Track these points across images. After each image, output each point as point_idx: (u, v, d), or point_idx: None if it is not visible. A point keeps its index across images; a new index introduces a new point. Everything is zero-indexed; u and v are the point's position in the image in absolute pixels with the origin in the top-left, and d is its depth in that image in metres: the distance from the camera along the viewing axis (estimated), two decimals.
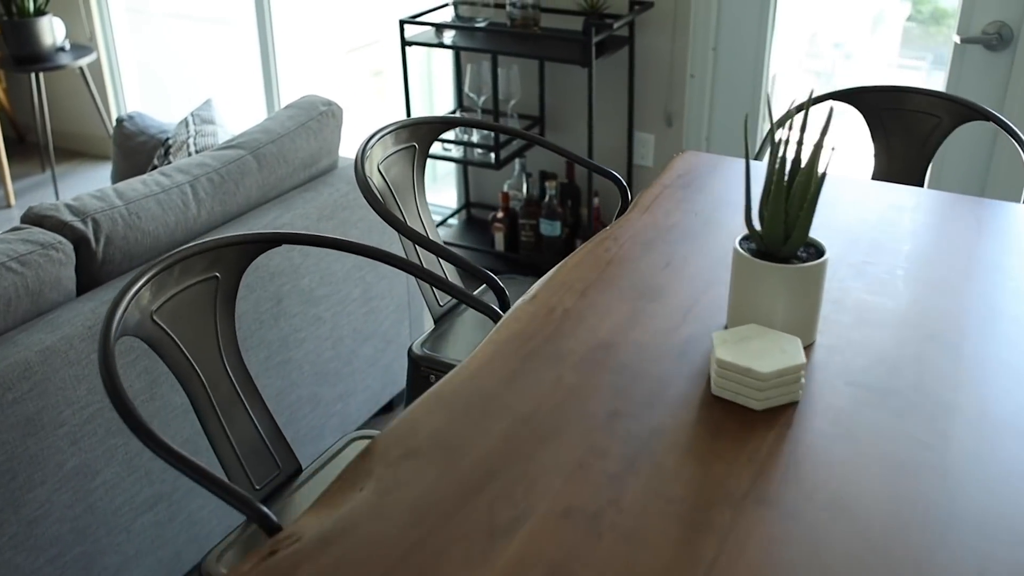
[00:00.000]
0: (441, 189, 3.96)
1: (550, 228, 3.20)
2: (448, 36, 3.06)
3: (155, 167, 2.45)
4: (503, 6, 3.10)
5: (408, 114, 3.16)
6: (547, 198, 3.18)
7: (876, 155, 2.17)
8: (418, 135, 1.90)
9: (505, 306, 1.65)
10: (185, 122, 2.54)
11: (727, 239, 1.64)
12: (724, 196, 1.81)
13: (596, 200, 3.25)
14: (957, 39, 2.77)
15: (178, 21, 4.69)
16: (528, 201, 3.23)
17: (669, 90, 3.14)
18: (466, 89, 3.21)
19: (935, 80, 3.13)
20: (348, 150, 3.29)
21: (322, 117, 2.30)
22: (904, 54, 3.23)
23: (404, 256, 1.75)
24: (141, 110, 3.92)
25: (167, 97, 4.66)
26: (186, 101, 4.67)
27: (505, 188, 3.37)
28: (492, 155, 3.11)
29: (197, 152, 2.30)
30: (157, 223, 1.91)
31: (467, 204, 3.68)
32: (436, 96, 3.96)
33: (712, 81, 3.13)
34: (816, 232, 1.65)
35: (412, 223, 1.88)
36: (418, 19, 3.04)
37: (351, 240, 1.57)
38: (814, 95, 2.14)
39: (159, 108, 4.63)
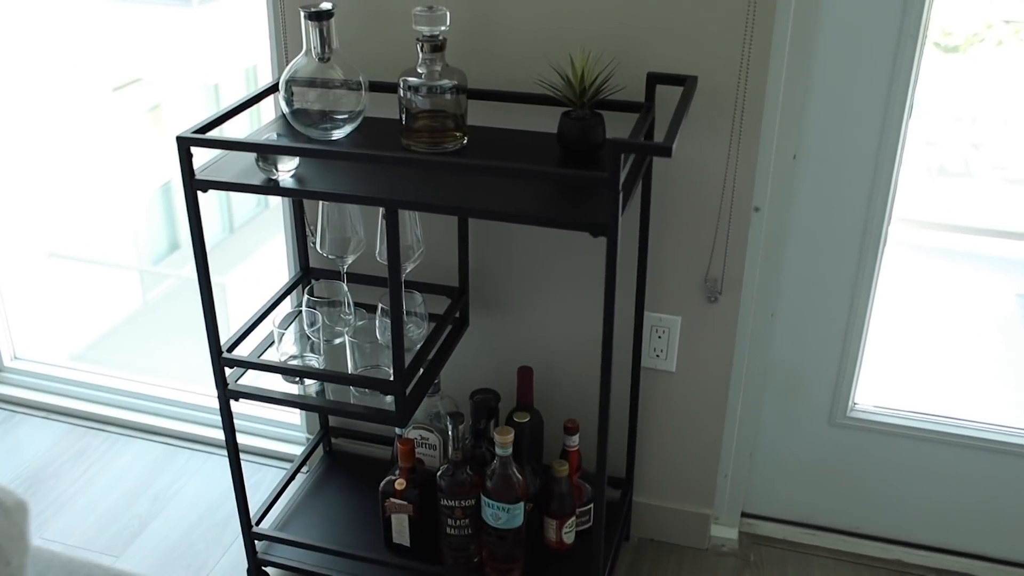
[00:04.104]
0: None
1: (504, 516, 1.61)
2: (285, 168, 1.41)
3: None
4: (390, 88, 1.49)
5: (209, 318, 1.49)
6: (494, 460, 1.60)
7: None
8: None
9: None
10: None
11: None
12: None
13: (575, 440, 1.70)
14: None
15: None
16: (455, 464, 1.64)
17: (718, 237, 1.65)
18: (319, 247, 1.60)
19: None
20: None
21: None
22: None
23: None
24: None
25: None
26: None
27: (402, 430, 1.76)
28: (393, 402, 1.51)
29: None
30: None
31: (325, 432, 2.03)
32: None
33: (787, 216, 1.67)
34: None
35: None
36: (211, 132, 1.39)
37: None
38: None
39: None
